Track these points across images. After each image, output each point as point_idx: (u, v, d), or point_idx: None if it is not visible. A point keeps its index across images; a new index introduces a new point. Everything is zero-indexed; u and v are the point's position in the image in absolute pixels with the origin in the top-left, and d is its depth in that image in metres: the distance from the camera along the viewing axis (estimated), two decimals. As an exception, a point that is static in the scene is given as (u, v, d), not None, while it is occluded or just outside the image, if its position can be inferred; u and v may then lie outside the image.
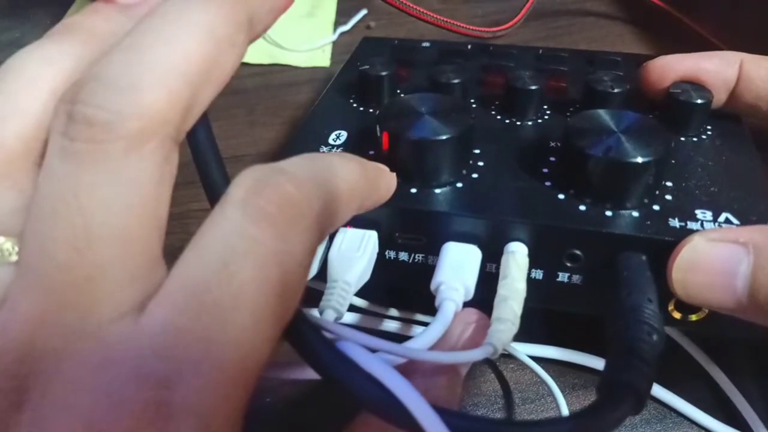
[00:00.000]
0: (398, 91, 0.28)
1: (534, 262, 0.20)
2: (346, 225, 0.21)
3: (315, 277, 0.21)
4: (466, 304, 0.20)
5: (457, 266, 0.20)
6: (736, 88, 0.24)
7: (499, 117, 0.26)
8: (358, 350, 0.14)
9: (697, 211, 0.20)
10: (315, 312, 0.19)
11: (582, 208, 0.20)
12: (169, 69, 0.12)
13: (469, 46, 0.32)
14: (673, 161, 0.22)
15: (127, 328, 0.11)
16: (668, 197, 0.20)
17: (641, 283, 0.18)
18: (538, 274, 0.20)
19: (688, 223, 0.19)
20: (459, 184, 0.21)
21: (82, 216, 0.12)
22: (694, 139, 0.24)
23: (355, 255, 0.20)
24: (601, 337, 0.17)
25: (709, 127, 0.25)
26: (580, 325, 0.22)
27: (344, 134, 0.25)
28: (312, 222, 0.13)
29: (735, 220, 0.19)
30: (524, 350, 0.23)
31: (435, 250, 0.21)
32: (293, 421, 0.22)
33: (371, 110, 0.27)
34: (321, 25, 0.47)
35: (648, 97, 0.26)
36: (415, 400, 0.13)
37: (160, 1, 0.13)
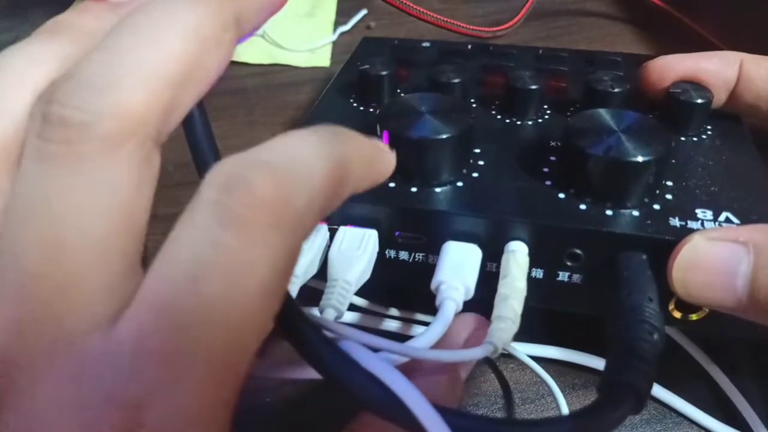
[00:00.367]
0: (398, 91, 0.28)
1: (534, 262, 0.20)
2: (346, 224, 0.21)
3: (315, 276, 0.21)
4: (466, 303, 0.20)
5: (458, 265, 0.20)
6: (736, 88, 0.24)
7: (499, 117, 0.26)
8: (359, 349, 0.14)
9: (698, 211, 0.20)
10: (315, 311, 0.19)
11: (582, 207, 0.20)
12: (149, 68, 0.12)
13: (469, 46, 0.32)
14: (673, 161, 0.22)
15: (100, 342, 0.11)
16: (668, 197, 0.20)
17: (642, 282, 0.18)
18: (538, 273, 0.20)
19: (689, 222, 0.19)
20: (459, 184, 0.21)
21: (54, 222, 0.11)
22: (694, 138, 0.24)
23: (356, 254, 0.20)
24: (601, 336, 0.17)
25: (709, 127, 0.25)
26: (580, 325, 0.22)
27: (344, 134, 0.25)
28: (293, 221, 0.12)
29: (735, 220, 0.19)
30: (524, 350, 0.23)
31: (435, 250, 0.21)
32: (293, 421, 0.22)
33: (371, 110, 0.27)
34: (321, 25, 0.47)
35: (648, 97, 0.26)
36: (417, 399, 0.13)
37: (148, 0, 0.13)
